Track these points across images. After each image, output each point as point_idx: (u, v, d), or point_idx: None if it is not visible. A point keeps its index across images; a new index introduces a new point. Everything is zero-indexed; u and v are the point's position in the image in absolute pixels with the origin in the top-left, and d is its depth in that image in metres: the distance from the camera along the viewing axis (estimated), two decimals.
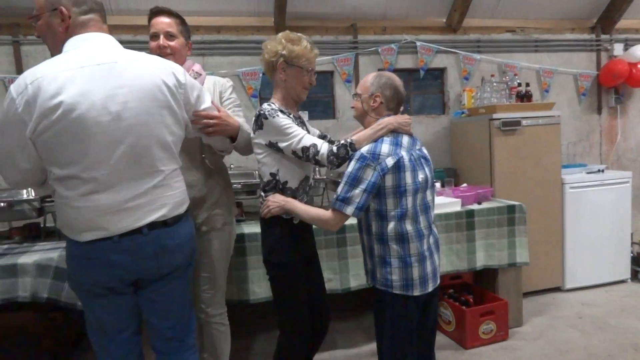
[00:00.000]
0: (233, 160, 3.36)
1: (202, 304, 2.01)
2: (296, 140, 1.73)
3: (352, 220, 2.52)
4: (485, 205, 2.90)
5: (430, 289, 1.74)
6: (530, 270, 3.31)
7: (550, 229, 3.43)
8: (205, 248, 1.95)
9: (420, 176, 1.71)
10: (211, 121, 1.63)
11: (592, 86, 4.15)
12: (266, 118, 1.75)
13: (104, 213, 1.35)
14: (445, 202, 2.80)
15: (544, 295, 3.45)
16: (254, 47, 3.41)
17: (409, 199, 1.67)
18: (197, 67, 1.94)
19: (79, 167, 1.31)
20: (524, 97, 3.44)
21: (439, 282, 1.80)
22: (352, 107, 1.86)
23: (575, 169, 3.62)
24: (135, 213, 1.38)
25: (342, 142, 1.72)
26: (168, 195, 1.45)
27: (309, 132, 2.03)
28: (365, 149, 1.66)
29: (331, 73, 3.62)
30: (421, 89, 3.94)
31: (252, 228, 2.55)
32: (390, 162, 1.63)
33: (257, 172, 2.85)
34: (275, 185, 1.84)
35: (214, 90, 1.97)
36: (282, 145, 1.76)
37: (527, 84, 3.52)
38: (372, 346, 2.70)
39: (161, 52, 1.80)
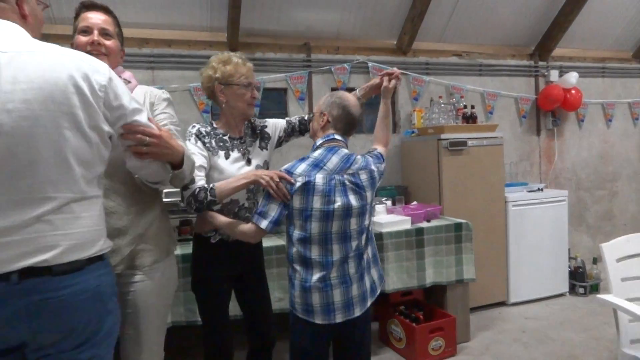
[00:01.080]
0: None
1: None
2: None
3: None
4: (434, 223, 2.97)
5: (337, 320, 1.65)
6: (476, 286, 3.39)
7: (495, 246, 3.56)
8: (127, 295, 1.48)
9: (337, 203, 1.63)
10: (147, 138, 1.23)
11: (532, 109, 4.40)
12: (186, 139, 1.82)
13: None
14: (396, 220, 2.85)
15: (490, 310, 3.56)
16: (206, 62, 3.35)
17: (315, 224, 1.62)
18: (127, 75, 1.64)
19: None
20: (470, 118, 3.59)
21: (356, 314, 1.68)
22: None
23: (517, 187, 3.80)
24: (3, 253, 1.00)
25: (205, 185, 1.72)
26: (60, 235, 1.05)
27: (265, 146, 2.01)
28: (285, 166, 1.68)
29: (284, 90, 3.62)
30: (373, 108, 4.02)
31: None
32: (297, 183, 1.62)
33: None
34: None
35: (144, 101, 1.62)
36: None
37: (473, 106, 3.68)
38: None
39: (93, 49, 1.48)
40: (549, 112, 4.41)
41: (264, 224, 1.63)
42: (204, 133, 1.85)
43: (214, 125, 1.91)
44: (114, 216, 1.46)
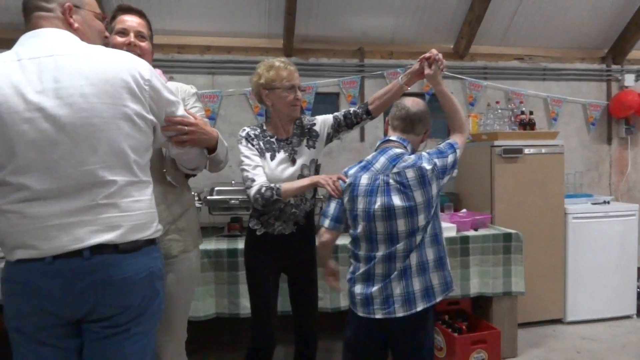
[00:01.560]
0: (238, 177, 3.45)
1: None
2: (244, 168, 1.91)
3: (342, 241, 2.54)
4: (481, 232, 2.89)
5: (377, 315, 1.68)
6: (531, 301, 3.26)
7: (552, 259, 3.37)
8: None
9: (377, 203, 1.66)
10: (186, 127, 1.39)
11: (602, 116, 4.11)
12: (237, 142, 1.96)
13: (37, 227, 1.13)
14: None
15: (544, 326, 3.37)
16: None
17: (361, 225, 1.70)
18: (158, 73, 1.62)
19: (6, 170, 1.13)
20: (527, 125, 3.44)
21: (398, 314, 1.67)
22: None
23: (580, 199, 3.57)
24: (76, 231, 1.13)
25: (272, 185, 1.85)
26: (123, 216, 1.19)
27: (313, 145, 2.05)
28: (345, 169, 1.81)
29: (337, 95, 3.69)
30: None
31: None
32: (345, 183, 1.77)
33: None
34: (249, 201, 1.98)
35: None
36: (240, 168, 1.94)
37: (531, 112, 3.52)
38: None
39: (129, 49, 1.59)
40: (622, 119, 4.09)
41: (326, 222, 1.82)
42: (252, 136, 1.96)
43: (264, 128, 2.02)
44: None
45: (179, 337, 1.73)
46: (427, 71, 1.91)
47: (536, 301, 3.32)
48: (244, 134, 1.97)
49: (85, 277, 1.14)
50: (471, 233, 2.85)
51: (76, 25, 1.28)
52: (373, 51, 3.73)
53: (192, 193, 1.90)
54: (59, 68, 1.14)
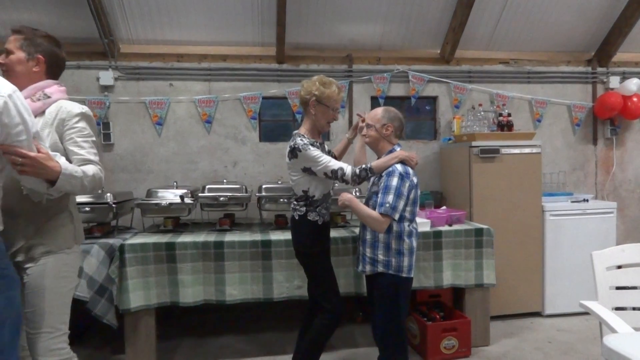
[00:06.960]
0: (232, 177, 3.70)
1: (23, 345, 1.70)
2: (326, 165, 2.20)
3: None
4: (455, 227, 3.06)
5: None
6: (510, 294, 3.43)
7: (530, 255, 3.52)
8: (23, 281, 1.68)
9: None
10: (19, 159, 1.43)
11: (587, 117, 4.22)
12: (300, 151, 2.21)
13: None
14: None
15: (522, 319, 3.52)
16: (256, 74, 3.77)
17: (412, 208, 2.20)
18: (50, 90, 1.77)
19: None
20: (505, 126, 3.59)
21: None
22: (364, 135, 2.30)
23: (559, 197, 3.70)
24: None
25: (363, 166, 2.20)
26: None
27: (329, 152, 2.45)
28: (401, 169, 2.12)
29: None
30: (414, 116, 4.17)
31: (234, 237, 2.83)
32: (415, 179, 2.15)
33: (244, 187, 3.18)
34: (306, 199, 2.30)
35: (55, 117, 1.74)
36: (315, 169, 2.22)
37: (509, 114, 3.66)
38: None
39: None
40: (607, 120, 4.20)
41: (396, 215, 2.15)
42: (311, 142, 2.24)
43: (307, 136, 2.28)
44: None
45: (51, 331, 1.71)
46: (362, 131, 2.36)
47: (515, 295, 3.48)
48: (305, 141, 2.21)
49: None
50: (444, 228, 3.02)
51: None
52: (361, 57, 3.93)
53: (66, 204, 1.82)
54: None
